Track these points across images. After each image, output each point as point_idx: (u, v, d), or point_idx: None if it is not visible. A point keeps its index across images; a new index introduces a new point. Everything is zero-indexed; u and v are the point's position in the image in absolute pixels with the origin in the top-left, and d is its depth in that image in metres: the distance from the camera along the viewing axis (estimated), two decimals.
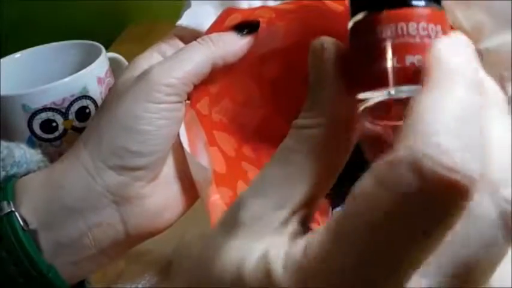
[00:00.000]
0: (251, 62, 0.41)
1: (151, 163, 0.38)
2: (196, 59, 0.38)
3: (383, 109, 0.23)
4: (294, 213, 0.22)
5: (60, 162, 0.39)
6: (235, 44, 0.39)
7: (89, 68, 0.52)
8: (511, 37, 0.37)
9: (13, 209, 0.36)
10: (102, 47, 0.56)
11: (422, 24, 0.22)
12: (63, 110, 0.51)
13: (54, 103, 0.50)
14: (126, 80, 0.39)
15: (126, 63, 0.60)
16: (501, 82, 0.38)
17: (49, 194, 0.37)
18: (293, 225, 0.22)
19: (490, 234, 0.19)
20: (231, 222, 0.22)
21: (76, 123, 0.52)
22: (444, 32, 0.22)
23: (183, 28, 0.41)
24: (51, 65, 0.59)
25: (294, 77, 0.43)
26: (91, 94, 0.52)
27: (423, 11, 0.22)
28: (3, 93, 0.50)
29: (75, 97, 0.51)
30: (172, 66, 0.37)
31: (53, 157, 0.50)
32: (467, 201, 0.18)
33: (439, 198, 0.17)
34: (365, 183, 0.19)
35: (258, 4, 0.41)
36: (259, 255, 0.21)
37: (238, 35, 0.39)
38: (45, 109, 0.50)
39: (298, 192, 0.22)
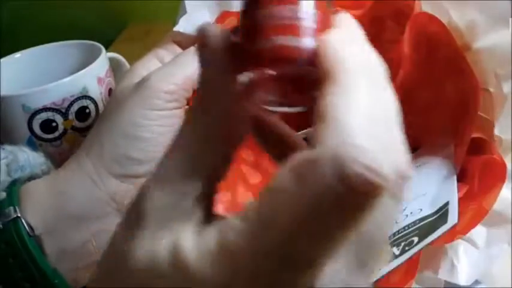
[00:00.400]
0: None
1: (151, 170, 0.38)
2: (194, 64, 0.38)
3: (269, 91, 0.23)
4: (197, 200, 0.22)
5: (64, 169, 0.39)
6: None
7: (89, 68, 0.52)
8: (505, 35, 0.37)
9: (19, 215, 0.36)
10: (102, 47, 0.56)
11: (294, 6, 0.22)
12: (63, 110, 0.51)
13: (54, 103, 0.50)
14: (125, 87, 0.39)
15: (126, 63, 0.60)
16: (496, 80, 0.38)
17: (53, 201, 0.37)
18: (198, 212, 0.22)
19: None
20: (137, 214, 0.22)
21: (76, 123, 0.51)
22: (322, 17, 0.22)
23: (180, 33, 0.41)
24: (51, 65, 0.59)
25: None
26: (91, 94, 0.52)
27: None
28: (3, 93, 0.50)
29: (75, 97, 0.51)
30: (171, 73, 0.37)
31: (53, 157, 0.50)
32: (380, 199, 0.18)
33: (358, 196, 0.17)
34: (284, 179, 0.19)
35: None
36: (170, 246, 0.21)
37: None
38: (45, 109, 0.50)
39: (198, 180, 0.22)
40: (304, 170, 0.18)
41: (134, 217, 0.22)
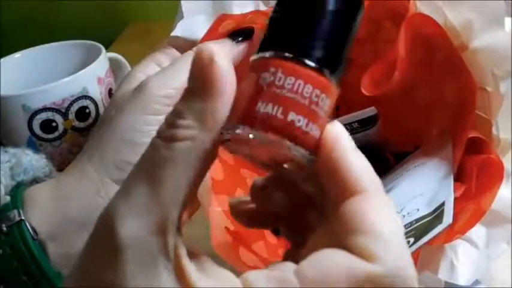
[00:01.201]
0: (246, 69, 0.41)
1: None
2: None
3: (241, 146, 0.23)
4: (175, 231, 0.22)
5: (66, 174, 0.39)
6: (230, 52, 0.39)
7: (89, 68, 0.52)
8: (501, 35, 0.37)
9: (23, 218, 0.36)
10: (102, 47, 0.56)
11: (316, 91, 0.22)
12: (63, 110, 0.51)
13: (54, 103, 0.50)
14: (124, 92, 0.39)
15: (126, 63, 0.60)
16: (494, 79, 0.38)
17: (56, 206, 0.37)
18: (175, 248, 0.22)
19: None
20: (111, 240, 0.21)
21: (76, 123, 0.52)
22: (330, 107, 0.23)
23: (178, 37, 0.41)
24: (51, 65, 0.59)
25: None
26: (91, 94, 0.52)
27: (323, 80, 0.23)
28: (3, 93, 0.50)
29: (75, 97, 0.51)
30: (169, 77, 0.37)
31: (53, 157, 0.50)
32: None
33: None
34: (340, 283, 0.20)
35: (250, 9, 0.41)
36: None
37: (233, 42, 0.39)
38: (45, 109, 0.50)
39: (175, 212, 0.21)
40: (369, 285, 0.20)
41: (110, 250, 0.21)
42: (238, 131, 0.22)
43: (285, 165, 0.24)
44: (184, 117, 0.22)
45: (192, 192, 0.22)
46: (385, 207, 0.22)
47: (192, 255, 0.22)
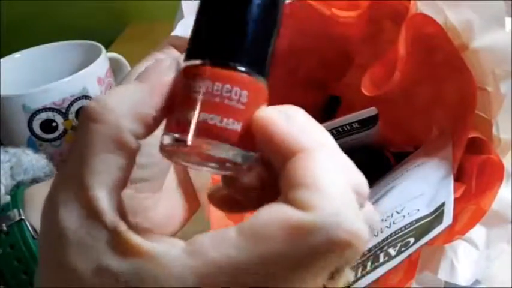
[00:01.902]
0: None
1: (154, 174, 0.38)
2: None
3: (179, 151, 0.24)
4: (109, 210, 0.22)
5: None
6: None
7: (89, 68, 0.52)
8: (502, 35, 0.37)
9: (23, 217, 0.36)
10: (102, 47, 0.56)
11: (227, 86, 0.23)
12: (63, 110, 0.51)
13: (54, 103, 0.50)
14: None
15: (126, 63, 0.60)
16: (494, 79, 0.38)
17: None
18: (116, 227, 0.22)
19: None
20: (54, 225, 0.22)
21: (76, 123, 0.52)
22: (251, 98, 0.23)
23: (178, 37, 0.41)
24: (51, 65, 0.59)
25: (286, 79, 0.43)
26: (91, 94, 0.52)
27: (243, 78, 0.23)
28: (3, 93, 0.50)
29: (75, 97, 0.51)
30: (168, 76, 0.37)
31: (53, 157, 0.50)
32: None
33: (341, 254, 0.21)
34: (274, 235, 0.21)
35: None
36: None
37: None
38: (45, 109, 0.50)
39: (103, 194, 0.22)
40: (300, 233, 0.20)
41: (53, 237, 0.22)
42: (164, 140, 0.23)
43: (225, 165, 0.24)
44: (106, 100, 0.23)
45: (123, 177, 0.23)
46: (328, 161, 0.22)
47: (141, 232, 0.23)
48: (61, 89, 0.51)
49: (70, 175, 0.23)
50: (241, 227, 0.21)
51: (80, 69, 0.52)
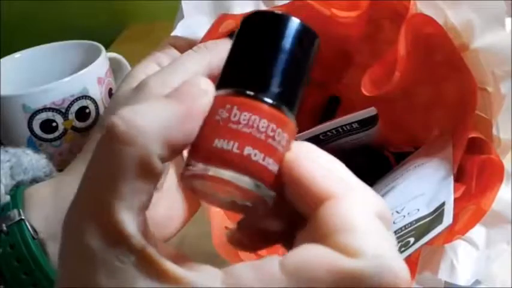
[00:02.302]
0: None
1: None
2: (192, 67, 0.38)
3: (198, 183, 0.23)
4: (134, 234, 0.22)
5: (67, 173, 0.39)
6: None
7: (89, 68, 0.52)
8: (502, 35, 0.37)
9: (23, 217, 0.36)
10: (102, 47, 0.56)
11: (272, 126, 0.23)
12: (63, 110, 0.51)
13: (54, 103, 0.50)
14: (124, 92, 0.39)
15: (126, 63, 0.60)
16: (494, 80, 0.38)
17: (57, 205, 0.37)
18: (143, 250, 0.22)
19: None
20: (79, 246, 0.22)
21: (76, 123, 0.52)
22: (288, 141, 0.23)
23: (178, 37, 0.41)
24: (51, 65, 0.59)
25: None
26: (91, 94, 0.52)
27: (278, 115, 0.23)
28: (3, 93, 0.50)
29: (75, 97, 0.51)
30: (168, 76, 0.37)
31: (53, 157, 0.50)
32: None
33: None
34: (321, 280, 0.20)
35: (250, 9, 0.41)
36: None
37: None
38: (45, 109, 0.50)
39: (126, 217, 0.22)
40: (349, 277, 0.20)
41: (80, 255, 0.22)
42: (194, 167, 0.23)
43: (247, 204, 0.24)
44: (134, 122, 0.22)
45: (148, 200, 0.22)
46: (359, 204, 0.22)
47: (174, 257, 0.22)
48: (61, 89, 0.50)
49: (94, 197, 0.22)
50: (285, 263, 0.21)
51: (80, 69, 0.52)
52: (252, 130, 0.22)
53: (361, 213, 0.22)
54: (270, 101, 0.23)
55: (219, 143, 0.22)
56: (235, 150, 0.22)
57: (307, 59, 0.24)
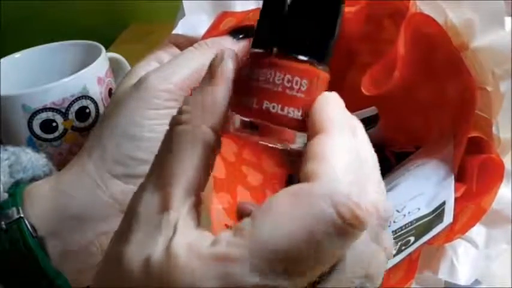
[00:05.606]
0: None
1: None
2: (192, 64, 0.38)
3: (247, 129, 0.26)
4: (189, 205, 0.24)
5: (66, 171, 0.39)
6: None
7: (89, 68, 0.52)
8: (502, 34, 0.37)
9: (22, 215, 0.36)
10: (102, 47, 0.56)
11: (288, 76, 0.25)
12: (63, 110, 0.51)
13: (54, 103, 0.50)
14: (125, 88, 0.39)
15: (126, 63, 0.60)
16: (494, 79, 0.38)
17: (56, 203, 0.37)
18: (190, 218, 0.24)
19: None
20: (131, 217, 0.24)
21: (76, 123, 0.52)
22: (310, 86, 0.25)
23: (179, 35, 0.41)
24: (51, 65, 0.59)
25: None
26: (91, 94, 0.52)
27: (300, 66, 0.25)
28: (3, 93, 0.50)
29: (75, 97, 0.51)
30: (169, 72, 0.37)
31: (53, 157, 0.50)
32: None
33: (348, 226, 0.22)
34: (283, 203, 0.22)
35: (251, 7, 0.41)
36: (163, 247, 0.22)
37: (234, 40, 0.39)
38: (45, 109, 0.50)
39: (178, 191, 0.24)
40: (305, 200, 0.22)
41: (128, 219, 0.24)
42: (237, 123, 0.26)
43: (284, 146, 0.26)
44: (187, 103, 0.26)
45: (201, 178, 0.25)
46: (343, 144, 0.24)
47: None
48: (61, 89, 0.50)
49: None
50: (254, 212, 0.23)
51: (80, 69, 0.52)
52: (268, 84, 0.25)
53: (338, 150, 0.24)
54: (283, 53, 0.25)
55: (246, 98, 0.25)
56: (254, 104, 0.25)
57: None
